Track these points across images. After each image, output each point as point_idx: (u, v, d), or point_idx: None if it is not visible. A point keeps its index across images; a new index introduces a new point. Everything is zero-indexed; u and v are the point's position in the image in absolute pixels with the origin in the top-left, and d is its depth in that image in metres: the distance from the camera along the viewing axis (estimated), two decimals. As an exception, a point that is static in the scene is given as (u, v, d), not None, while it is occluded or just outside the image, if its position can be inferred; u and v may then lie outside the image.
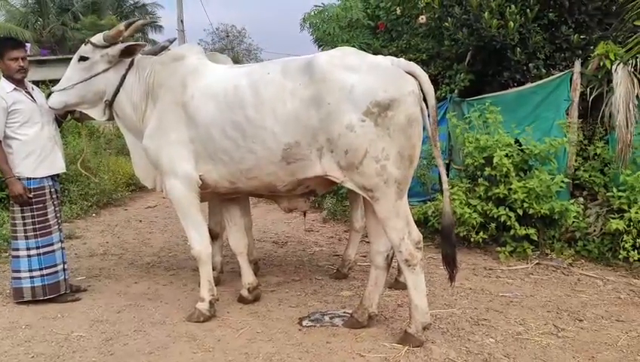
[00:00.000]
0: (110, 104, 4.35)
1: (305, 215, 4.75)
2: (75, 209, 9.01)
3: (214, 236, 5.16)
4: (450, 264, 3.81)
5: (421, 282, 3.77)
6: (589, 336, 4.09)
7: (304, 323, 4.22)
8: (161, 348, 3.71)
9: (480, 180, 6.46)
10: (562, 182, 6.07)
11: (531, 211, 6.08)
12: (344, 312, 4.39)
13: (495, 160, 6.15)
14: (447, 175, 7.82)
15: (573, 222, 6.17)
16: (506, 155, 6.27)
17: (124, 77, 4.27)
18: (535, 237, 6.15)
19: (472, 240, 6.40)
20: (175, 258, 6.34)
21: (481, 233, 6.35)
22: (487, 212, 6.32)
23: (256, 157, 3.79)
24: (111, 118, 4.48)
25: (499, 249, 6.28)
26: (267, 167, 3.80)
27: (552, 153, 6.28)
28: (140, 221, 8.98)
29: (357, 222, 5.48)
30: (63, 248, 4.70)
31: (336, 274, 5.49)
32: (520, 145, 6.49)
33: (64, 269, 4.67)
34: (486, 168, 6.33)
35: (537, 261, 6.07)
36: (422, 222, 7.17)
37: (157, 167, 4.19)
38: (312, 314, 4.42)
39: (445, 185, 3.81)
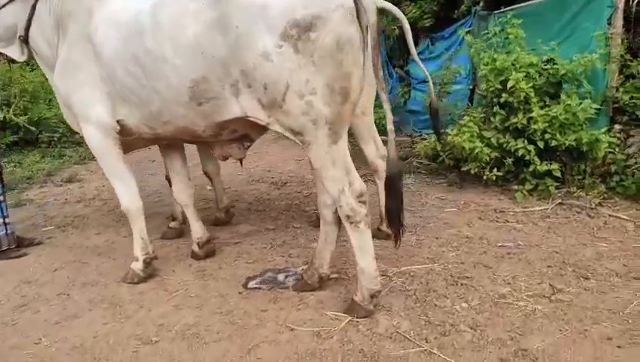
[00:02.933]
0: (25, 40, 3.82)
1: (242, 163, 4.15)
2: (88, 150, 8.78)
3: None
4: (395, 222, 3.12)
5: (367, 242, 3.10)
6: (590, 300, 3.34)
7: (250, 284, 3.70)
8: (72, 317, 3.31)
9: (496, 108, 5.57)
10: (593, 107, 5.09)
11: (554, 143, 5.17)
12: (303, 270, 3.83)
13: (510, 83, 5.22)
14: (472, 101, 6.99)
15: (609, 153, 5.22)
16: (527, 77, 5.32)
17: (33, 7, 3.70)
18: (558, 174, 5.26)
19: (484, 177, 5.59)
20: (159, 204, 5.96)
21: (494, 170, 5.52)
22: (504, 145, 5.46)
23: (161, 98, 3.18)
24: (32, 57, 3.97)
25: (516, 187, 5.46)
26: (176, 109, 3.18)
27: (581, 73, 5.24)
28: (153, 161, 8.65)
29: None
30: (1, 202, 4.37)
31: (315, 222, 4.90)
32: (555, 64, 5.46)
33: (5, 224, 4.35)
34: (503, 94, 5.42)
35: (560, 201, 5.21)
36: (431, 158, 6.42)
37: (70, 110, 3.67)
38: (265, 271, 3.89)
39: (389, 126, 3.05)
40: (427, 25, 7.54)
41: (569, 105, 5.03)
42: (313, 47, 2.77)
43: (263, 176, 7.00)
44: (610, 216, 4.82)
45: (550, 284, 3.58)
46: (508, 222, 4.85)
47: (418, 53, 8.22)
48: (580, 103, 5.03)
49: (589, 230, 4.55)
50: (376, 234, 4.47)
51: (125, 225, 5.14)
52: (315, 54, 2.78)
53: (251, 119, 3.07)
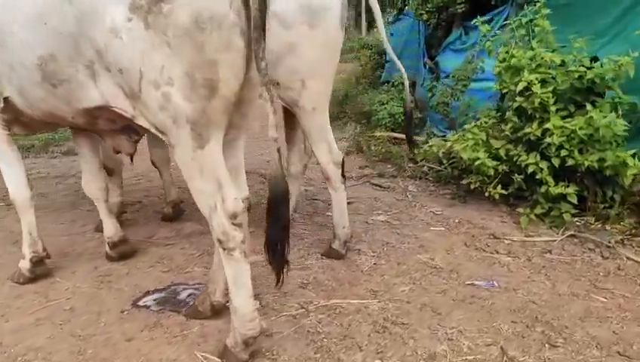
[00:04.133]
0: None
1: (132, 159, 3.58)
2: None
3: (109, 172, 4.20)
4: (277, 257, 2.44)
5: (244, 275, 2.46)
6: (544, 380, 2.55)
7: (142, 300, 3.16)
8: None
9: (508, 114, 4.69)
10: (622, 123, 4.12)
11: (571, 162, 4.25)
12: (212, 289, 3.24)
13: (520, 86, 4.33)
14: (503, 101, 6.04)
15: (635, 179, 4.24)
16: (553, 79, 4.40)
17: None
18: (574, 199, 4.32)
19: (487, 194, 4.73)
20: (132, 188, 5.53)
21: (499, 186, 4.66)
22: (514, 158, 4.59)
23: (18, 77, 2.69)
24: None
25: (521, 210, 4.57)
26: (34, 90, 2.67)
27: (614, 78, 4.25)
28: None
29: (293, 165, 4.16)
30: None
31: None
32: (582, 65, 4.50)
33: None
34: (517, 98, 4.53)
35: (574, 231, 4.30)
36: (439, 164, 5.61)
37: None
38: (170, 286, 3.35)
39: (272, 132, 2.34)
40: (460, 11, 6.62)
41: (592, 118, 4.09)
42: (166, 24, 2.14)
43: (263, 165, 6.43)
44: (628, 259, 3.88)
45: (502, 348, 2.79)
46: (497, 252, 4.02)
47: (449, 44, 7.38)
48: (605, 117, 4.06)
49: (594, 275, 3.66)
50: (328, 253, 3.83)
51: (77, 207, 4.80)
52: (168, 33, 2.15)
53: (115, 110, 2.50)
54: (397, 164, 6.20)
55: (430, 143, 5.22)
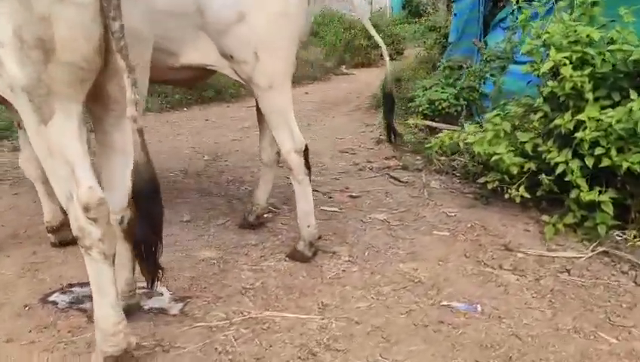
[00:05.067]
0: None
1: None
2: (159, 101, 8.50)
3: None
4: (148, 262, 1.99)
5: (105, 280, 2.03)
6: None
7: (55, 296, 2.83)
8: None
9: (538, 102, 3.92)
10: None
11: (606, 162, 3.45)
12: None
13: (545, 66, 3.57)
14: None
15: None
16: (589, 60, 3.61)
17: None
18: (609, 208, 3.52)
19: (506, 196, 4.01)
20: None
21: (521, 188, 3.92)
22: (544, 155, 3.83)
23: None
24: None
25: (546, 218, 3.81)
26: None
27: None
28: (207, 120, 8.13)
29: (264, 151, 3.66)
30: None
31: (241, 223, 3.85)
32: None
33: None
34: (549, 82, 3.76)
35: (607, 248, 3.51)
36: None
37: None
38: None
39: (131, 110, 1.85)
40: (510, -16, 5.76)
41: (632, 109, 3.26)
42: (-17, -30, 1.73)
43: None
44: (668, 285, 3.08)
45: (447, 397, 2.18)
46: (500, 268, 3.33)
47: (499, 21, 6.51)
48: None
49: (614, 306, 2.90)
50: (292, 255, 3.33)
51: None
52: (-13, -18, 1.74)
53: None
54: (426, 156, 5.52)
55: (443, 133, 4.50)
